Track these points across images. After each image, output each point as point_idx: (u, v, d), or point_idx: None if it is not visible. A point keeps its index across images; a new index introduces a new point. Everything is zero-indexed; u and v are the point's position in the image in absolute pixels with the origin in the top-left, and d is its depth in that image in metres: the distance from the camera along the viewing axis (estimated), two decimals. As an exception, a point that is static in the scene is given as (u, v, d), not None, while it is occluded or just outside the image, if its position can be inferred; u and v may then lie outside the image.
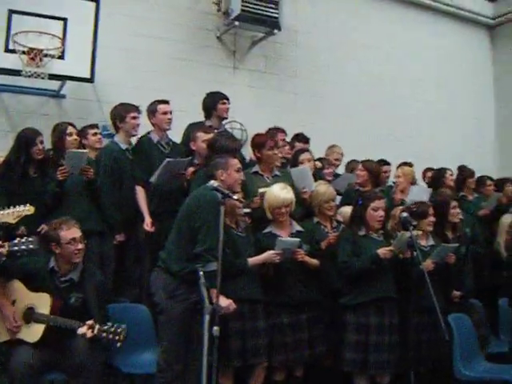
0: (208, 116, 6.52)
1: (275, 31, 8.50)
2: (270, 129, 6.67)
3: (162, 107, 6.04)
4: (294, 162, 6.21)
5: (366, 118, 9.67)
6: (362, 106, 9.72)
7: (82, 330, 4.18)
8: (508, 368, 5.36)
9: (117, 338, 4.15)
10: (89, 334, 4.15)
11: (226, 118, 6.77)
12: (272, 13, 8.22)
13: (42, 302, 4.31)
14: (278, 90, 8.97)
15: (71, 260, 4.48)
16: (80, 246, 4.49)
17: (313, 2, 9.52)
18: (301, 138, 7.13)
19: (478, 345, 5.70)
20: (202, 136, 5.70)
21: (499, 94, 11.93)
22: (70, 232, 4.47)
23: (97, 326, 4.16)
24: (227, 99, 6.55)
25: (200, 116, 6.59)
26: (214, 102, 6.49)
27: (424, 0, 10.95)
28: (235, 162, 4.72)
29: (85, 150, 5.63)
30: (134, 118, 5.92)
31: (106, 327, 4.17)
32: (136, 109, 5.95)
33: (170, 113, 6.06)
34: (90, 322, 4.19)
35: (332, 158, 7.42)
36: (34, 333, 4.27)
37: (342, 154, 7.59)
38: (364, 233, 5.19)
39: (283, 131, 6.87)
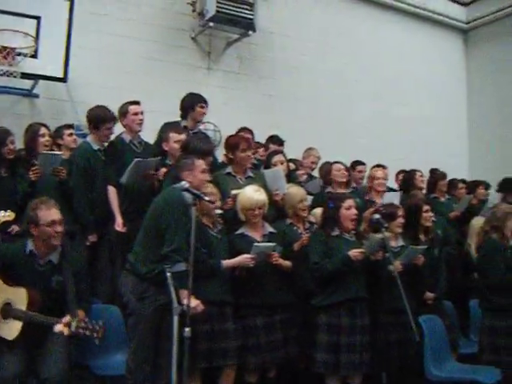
0: (184, 116, 6.48)
1: (250, 32, 8.51)
2: (240, 129, 6.71)
3: (132, 108, 6.02)
4: (268, 163, 6.22)
5: (341, 120, 9.73)
6: (337, 107, 9.77)
7: (58, 328, 4.06)
8: (478, 368, 5.42)
9: (95, 334, 4.02)
10: (66, 331, 4.03)
11: (201, 122, 6.76)
12: (247, 14, 8.22)
13: (19, 297, 4.21)
14: (252, 92, 8.98)
15: (50, 242, 4.34)
16: (59, 228, 4.33)
17: (288, 4, 9.54)
18: (275, 139, 7.16)
19: (449, 346, 5.75)
20: (175, 137, 5.69)
21: (472, 97, 12.05)
22: (50, 213, 4.32)
23: (74, 324, 4.03)
24: (206, 103, 6.51)
25: (173, 116, 6.54)
26: (192, 104, 6.44)
27: (398, 3, 11.03)
28: (200, 163, 4.72)
29: (59, 153, 5.60)
30: (109, 128, 5.89)
31: (83, 324, 4.05)
32: (112, 119, 5.90)
33: (141, 113, 6.06)
34: (66, 320, 4.06)
35: (308, 161, 7.43)
36: (12, 329, 4.18)
37: (319, 158, 7.58)
38: (337, 233, 5.20)
39: (251, 132, 6.88)
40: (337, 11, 10.20)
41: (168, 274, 3.92)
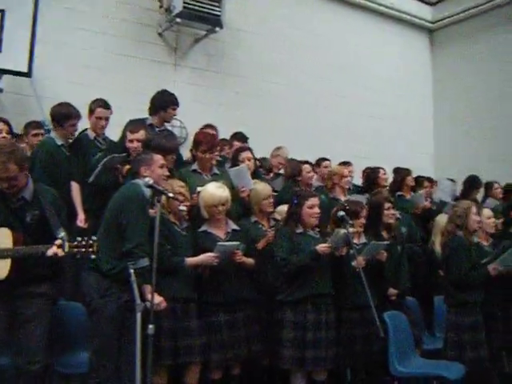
0: (154, 113, 6.39)
1: (217, 29, 8.52)
2: (204, 126, 6.72)
3: (98, 111, 5.97)
4: (235, 160, 6.21)
5: (308, 117, 9.78)
6: (305, 105, 9.81)
7: (51, 251, 3.97)
8: (442, 364, 5.47)
9: (90, 249, 3.97)
10: (60, 253, 3.96)
11: (168, 123, 6.68)
12: (214, 10, 8.22)
13: (3, 237, 4.11)
14: (219, 89, 8.96)
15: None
16: None
17: (256, 1, 9.55)
18: (239, 136, 7.14)
19: (413, 342, 5.80)
20: (129, 135, 5.67)
21: (437, 95, 12.20)
22: None
23: (67, 244, 3.96)
24: (178, 105, 6.45)
25: (140, 113, 6.44)
26: (165, 104, 6.28)
27: (367, 2, 11.11)
28: (159, 158, 4.69)
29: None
30: (73, 125, 5.81)
31: (75, 242, 3.98)
32: (76, 116, 5.82)
33: (106, 119, 6.01)
34: (58, 242, 3.98)
35: (276, 162, 7.40)
36: (2, 268, 4.06)
37: (287, 157, 7.53)
38: (301, 230, 5.21)
39: (215, 129, 6.87)
40: (306, 9, 10.22)
41: (131, 271, 3.89)
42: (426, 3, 12.21)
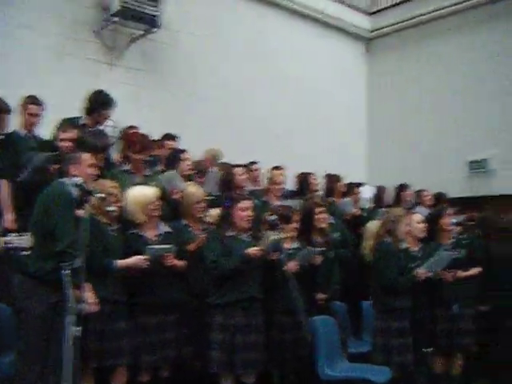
0: (89, 113, 6.26)
1: (154, 29, 8.45)
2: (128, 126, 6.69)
3: (30, 108, 5.89)
4: (173, 160, 6.20)
5: (243, 122, 9.78)
6: (240, 109, 9.82)
7: None
8: (369, 368, 5.57)
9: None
10: None
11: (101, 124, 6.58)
12: (152, 10, 8.15)
13: None
14: (154, 89, 8.88)
15: None
16: None
17: (194, 3, 9.48)
18: (170, 136, 7.06)
19: (341, 345, 5.87)
20: (60, 135, 5.58)
21: (372, 103, 12.44)
22: None
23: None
24: (114, 108, 6.34)
25: (74, 111, 6.33)
26: (101, 106, 6.20)
27: (304, 9, 11.24)
28: (87, 157, 4.63)
29: None
30: (2, 120, 5.66)
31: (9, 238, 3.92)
32: (6, 111, 5.66)
33: (38, 116, 5.92)
34: None
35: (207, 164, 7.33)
36: None
37: (215, 157, 7.46)
38: (232, 233, 5.21)
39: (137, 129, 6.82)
40: (244, 13, 10.27)
41: (65, 272, 3.83)
42: (364, 13, 12.45)
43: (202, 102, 9.31)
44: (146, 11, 8.11)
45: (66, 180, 4.27)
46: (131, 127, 6.74)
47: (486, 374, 6.63)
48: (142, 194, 5.04)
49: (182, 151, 6.34)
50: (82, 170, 4.51)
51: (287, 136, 10.37)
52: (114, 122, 7.66)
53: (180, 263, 5.10)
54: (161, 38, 8.88)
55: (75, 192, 4.03)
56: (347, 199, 7.70)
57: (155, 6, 8.17)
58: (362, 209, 7.80)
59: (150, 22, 8.28)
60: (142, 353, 4.84)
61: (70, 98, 6.59)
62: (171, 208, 5.58)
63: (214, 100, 9.48)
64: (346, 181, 8.13)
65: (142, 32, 8.59)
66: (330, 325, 5.75)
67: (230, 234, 5.20)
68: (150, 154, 6.00)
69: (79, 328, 3.73)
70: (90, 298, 4.03)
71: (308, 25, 11.42)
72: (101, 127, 6.33)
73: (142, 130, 6.61)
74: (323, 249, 5.79)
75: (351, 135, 11.91)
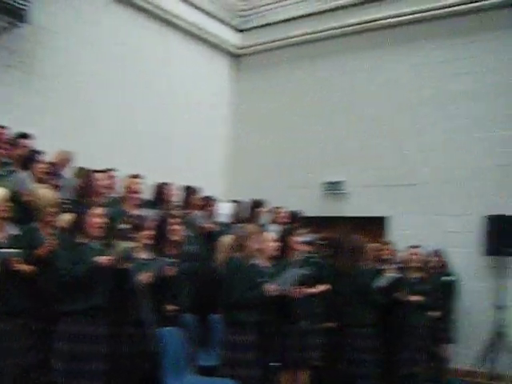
0: None
1: (21, 24, 8.11)
2: None
3: None
4: (27, 161, 6.02)
5: (104, 125, 9.62)
6: (103, 111, 9.67)
7: None
8: (215, 381, 5.64)
9: None
10: None
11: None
12: (19, 4, 7.82)
13: None
14: (20, 88, 8.51)
15: None
16: None
17: (64, 2, 9.23)
18: (24, 135, 6.81)
19: (188, 358, 5.88)
20: None
21: (235, 120, 12.62)
22: None
23: None
24: None
25: None
26: None
27: (176, 20, 11.23)
28: None
29: None
30: None
31: None
32: None
33: None
34: None
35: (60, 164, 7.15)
36: None
37: (68, 160, 7.32)
38: (83, 240, 5.11)
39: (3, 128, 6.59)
40: (114, 18, 10.13)
41: None
42: (235, 29, 12.62)
43: (65, 103, 9.07)
44: (13, 3, 7.75)
45: None
46: None
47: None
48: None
49: (38, 152, 6.16)
50: None
51: (148, 144, 10.31)
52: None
53: (27, 268, 4.93)
54: (27, 34, 8.51)
55: None
56: (199, 213, 7.74)
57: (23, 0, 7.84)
58: (219, 223, 7.85)
59: (17, 16, 7.94)
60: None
61: None
62: (22, 211, 5.38)
63: (77, 102, 9.26)
64: (205, 194, 8.18)
65: (6, 25, 8.21)
66: (178, 337, 5.75)
67: (81, 240, 5.09)
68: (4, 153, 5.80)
69: None
70: None
71: (177, 34, 11.42)
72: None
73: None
74: (176, 260, 5.79)
75: (213, 149, 12.05)
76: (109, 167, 7.39)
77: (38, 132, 7.04)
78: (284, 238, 6.39)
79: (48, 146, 6.96)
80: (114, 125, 9.80)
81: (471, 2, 9.96)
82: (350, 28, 11.26)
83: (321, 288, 6.46)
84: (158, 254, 5.75)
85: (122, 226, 5.25)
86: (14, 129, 6.73)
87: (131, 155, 9.48)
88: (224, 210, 8.14)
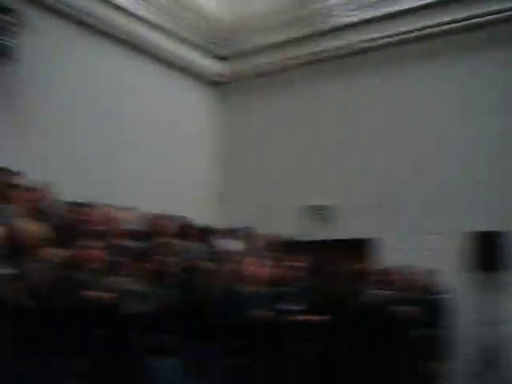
0: None
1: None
2: None
3: None
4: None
5: (86, 159, 9.61)
6: (85, 145, 9.72)
7: None
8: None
9: None
10: None
11: None
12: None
13: None
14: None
15: None
16: None
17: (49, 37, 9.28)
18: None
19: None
20: None
21: (218, 147, 12.70)
22: None
23: None
24: None
25: None
26: None
27: (153, 48, 11.35)
28: None
29: None
30: None
31: None
32: None
33: None
34: None
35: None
36: None
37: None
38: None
39: None
40: (89, 50, 10.18)
41: None
42: (215, 57, 12.70)
43: (49, 137, 9.13)
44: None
45: None
46: None
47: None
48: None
49: (17, 186, 6.15)
50: None
51: (134, 177, 10.35)
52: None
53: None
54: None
55: None
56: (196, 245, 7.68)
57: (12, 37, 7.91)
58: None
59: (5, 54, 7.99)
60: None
61: None
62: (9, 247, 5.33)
63: (56, 136, 9.31)
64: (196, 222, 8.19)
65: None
66: (174, 368, 5.69)
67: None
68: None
69: None
70: None
71: (156, 67, 11.56)
72: None
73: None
74: (171, 291, 5.75)
75: (198, 178, 12.11)
76: (95, 200, 7.41)
77: (19, 166, 7.04)
78: (278, 264, 6.44)
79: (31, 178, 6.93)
80: (97, 158, 9.81)
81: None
82: (335, 51, 11.47)
83: (315, 318, 6.47)
84: (154, 285, 5.76)
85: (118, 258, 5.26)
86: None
87: (116, 187, 9.47)
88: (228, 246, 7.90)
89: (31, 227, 5.42)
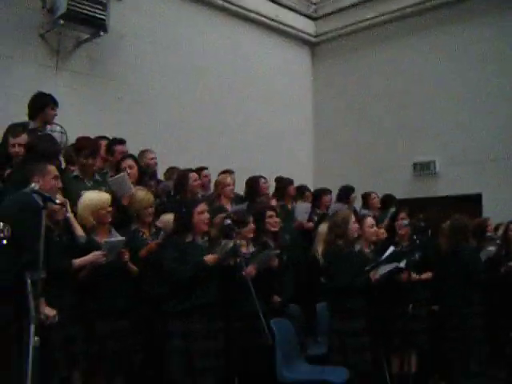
0: (33, 116, 6.19)
1: (101, 33, 8.29)
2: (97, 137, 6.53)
3: None
4: (117, 167, 6.13)
5: (188, 127, 9.73)
6: (185, 114, 9.75)
7: None
8: (327, 369, 5.61)
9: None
10: None
11: (50, 125, 6.47)
12: (99, 14, 7.99)
13: None
14: (101, 94, 8.70)
15: None
16: None
17: (141, 7, 9.37)
18: (118, 141, 6.90)
19: (299, 348, 5.89)
20: (11, 140, 5.45)
21: (318, 108, 12.56)
22: None
23: None
24: (56, 104, 6.29)
25: (20, 116, 6.21)
26: (42, 105, 6.19)
27: (250, 13, 11.23)
28: (53, 169, 4.57)
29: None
30: None
31: None
32: None
33: None
34: None
35: (143, 163, 7.22)
36: None
37: (153, 159, 7.23)
38: (190, 239, 5.16)
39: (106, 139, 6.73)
40: (190, 18, 10.20)
41: (28, 282, 3.76)
42: (309, 17, 12.52)
43: (150, 107, 9.24)
44: (93, 14, 7.92)
45: (28, 190, 4.15)
46: (100, 137, 6.63)
47: (438, 371, 6.74)
48: (91, 199, 4.96)
49: (126, 157, 6.26)
50: (47, 181, 4.45)
51: (232, 141, 10.37)
52: (62, 128, 7.54)
53: (133, 268, 5.05)
54: (107, 42, 8.71)
55: (40, 201, 3.93)
56: (304, 204, 7.71)
57: (102, 10, 7.99)
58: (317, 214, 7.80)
59: (98, 26, 8.12)
60: (97, 360, 4.75)
61: (17, 103, 6.47)
62: (120, 213, 5.46)
63: (161, 105, 9.42)
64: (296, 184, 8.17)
65: (88, 35, 8.41)
66: (287, 327, 5.78)
67: (187, 239, 5.15)
68: (96, 158, 5.90)
69: (37, 338, 3.61)
70: (48, 311, 4.02)
71: (253, 29, 11.44)
72: (50, 132, 6.23)
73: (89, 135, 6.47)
74: (278, 251, 5.80)
75: (297, 138, 12.00)
76: (201, 166, 7.51)
77: (124, 136, 7.18)
78: (389, 223, 6.33)
79: (134, 151, 7.06)
80: (200, 126, 9.91)
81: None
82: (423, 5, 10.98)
83: (427, 275, 6.39)
84: (260, 246, 5.79)
85: (227, 221, 5.28)
86: (99, 134, 6.86)
87: (220, 153, 9.64)
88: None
89: (141, 194, 5.53)
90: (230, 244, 5.07)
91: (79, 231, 4.89)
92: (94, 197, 4.98)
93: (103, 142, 6.58)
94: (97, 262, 4.73)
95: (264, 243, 5.95)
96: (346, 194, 8.35)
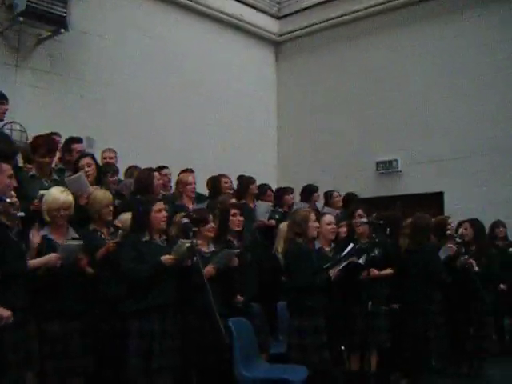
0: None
1: (62, 31, 8.22)
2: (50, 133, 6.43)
3: None
4: (75, 165, 6.07)
5: (152, 123, 9.73)
6: (149, 111, 9.76)
7: None
8: (287, 367, 5.64)
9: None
10: None
11: (2, 120, 6.39)
12: (59, 11, 7.92)
13: None
14: (62, 92, 8.67)
15: None
16: None
17: (104, 5, 9.33)
18: (75, 140, 6.85)
19: (258, 347, 5.89)
20: None
21: (281, 106, 12.64)
22: None
23: None
24: (6, 99, 6.19)
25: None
26: None
27: (215, 12, 11.29)
28: (7, 168, 4.49)
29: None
30: None
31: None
32: None
33: None
34: None
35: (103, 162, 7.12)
36: None
37: (112, 158, 7.29)
38: (148, 238, 5.13)
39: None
40: (153, 16, 10.21)
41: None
42: (273, 17, 12.59)
43: (111, 105, 9.22)
44: (54, 11, 7.84)
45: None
46: (53, 133, 6.49)
47: (400, 368, 6.78)
48: (53, 198, 4.87)
49: (84, 156, 6.20)
50: (1, 179, 4.38)
51: (197, 140, 10.43)
52: (21, 126, 7.47)
53: (89, 270, 4.99)
54: (68, 40, 8.65)
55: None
56: (264, 204, 7.72)
57: (64, 7, 7.93)
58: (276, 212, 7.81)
59: (58, 23, 8.04)
60: (48, 360, 4.68)
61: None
62: (77, 212, 5.40)
63: (123, 103, 9.40)
64: (258, 183, 8.16)
65: (49, 33, 8.34)
66: (246, 326, 5.76)
67: (144, 238, 5.12)
68: (53, 156, 5.84)
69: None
70: (2, 311, 3.98)
71: (218, 28, 11.48)
72: (7, 131, 6.16)
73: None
74: (239, 251, 5.79)
75: (262, 138, 12.05)
76: (161, 165, 7.47)
77: (85, 135, 7.14)
78: (347, 221, 6.35)
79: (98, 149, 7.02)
80: (158, 121, 9.93)
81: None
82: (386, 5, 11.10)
83: (387, 271, 6.40)
84: (223, 245, 5.77)
85: (184, 220, 5.26)
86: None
87: (177, 150, 9.64)
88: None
89: (99, 193, 5.48)
90: (187, 244, 5.03)
91: (35, 231, 4.82)
92: (54, 196, 4.88)
93: (57, 139, 6.49)
94: (51, 265, 4.66)
95: (227, 242, 5.93)
96: (309, 193, 8.40)
